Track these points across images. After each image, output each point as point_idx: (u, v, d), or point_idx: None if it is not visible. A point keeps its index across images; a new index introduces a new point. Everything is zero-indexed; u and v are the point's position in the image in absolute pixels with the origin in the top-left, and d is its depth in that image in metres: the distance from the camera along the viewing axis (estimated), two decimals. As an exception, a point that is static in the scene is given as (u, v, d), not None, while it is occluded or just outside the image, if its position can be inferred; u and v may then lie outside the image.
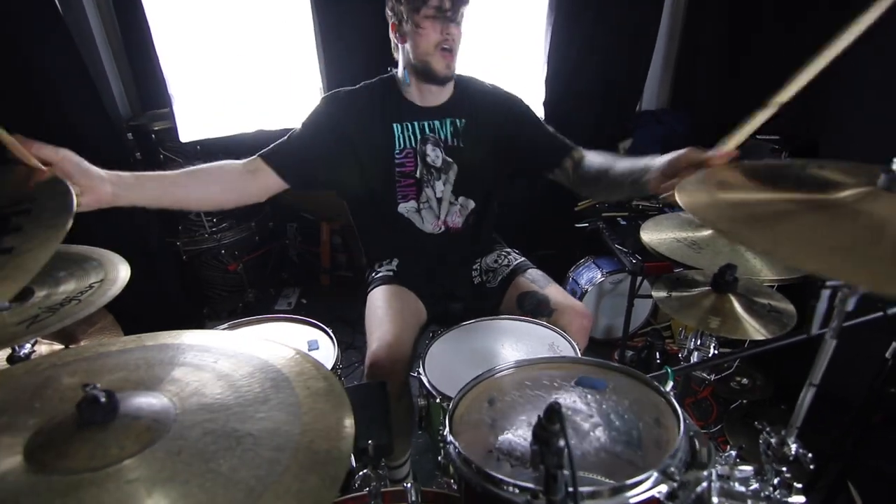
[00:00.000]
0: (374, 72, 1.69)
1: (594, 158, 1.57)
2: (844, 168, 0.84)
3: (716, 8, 2.76)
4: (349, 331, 2.75)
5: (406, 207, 1.72)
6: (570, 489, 0.63)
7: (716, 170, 0.99)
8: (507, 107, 1.70)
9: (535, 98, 2.79)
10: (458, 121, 1.65)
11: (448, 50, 1.50)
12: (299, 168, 1.52)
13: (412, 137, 1.64)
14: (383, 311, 1.61)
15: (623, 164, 1.42)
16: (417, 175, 1.67)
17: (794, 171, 0.89)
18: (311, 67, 2.72)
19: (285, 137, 1.55)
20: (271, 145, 1.52)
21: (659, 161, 1.20)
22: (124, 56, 2.84)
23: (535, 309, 1.61)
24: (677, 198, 0.83)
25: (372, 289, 1.73)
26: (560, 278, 2.55)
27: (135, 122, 2.71)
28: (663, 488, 0.72)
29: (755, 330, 1.18)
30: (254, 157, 1.49)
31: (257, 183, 1.48)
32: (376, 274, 1.79)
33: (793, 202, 0.78)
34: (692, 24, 2.94)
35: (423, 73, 1.56)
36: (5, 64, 2.02)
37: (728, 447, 1.26)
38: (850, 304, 0.82)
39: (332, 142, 1.57)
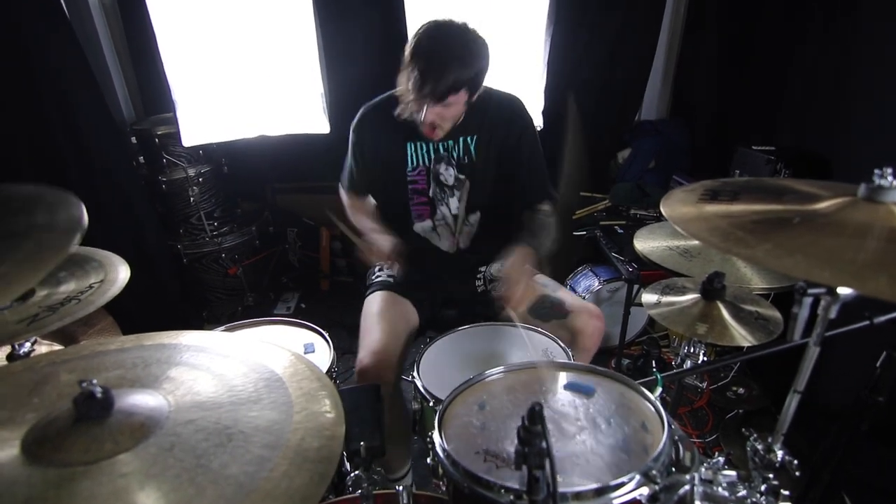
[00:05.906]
0: (375, 79, 1.71)
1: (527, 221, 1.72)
2: (817, 185, 0.86)
3: (714, 19, 2.79)
4: (347, 335, 2.76)
5: (422, 227, 1.74)
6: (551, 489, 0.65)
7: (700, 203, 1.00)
8: (521, 127, 1.67)
9: (534, 107, 2.82)
10: (468, 138, 1.64)
11: (432, 126, 1.53)
12: (368, 186, 1.79)
13: (426, 156, 1.65)
14: (375, 319, 1.63)
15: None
16: (430, 194, 1.69)
17: (772, 186, 0.91)
18: (313, 73, 2.75)
19: (347, 166, 1.76)
20: (347, 177, 1.78)
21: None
22: (129, 60, 2.88)
23: (550, 312, 1.62)
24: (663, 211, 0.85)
25: (370, 293, 1.75)
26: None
27: (138, 126, 2.74)
28: (645, 490, 0.74)
29: (741, 337, 1.19)
30: (350, 192, 1.79)
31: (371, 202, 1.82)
32: (376, 277, 1.80)
33: (775, 213, 0.80)
34: (691, 34, 2.96)
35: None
36: (11, 67, 2.05)
37: (717, 454, 1.27)
38: (833, 312, 0.83)
39: (365, 162, 1.72)
